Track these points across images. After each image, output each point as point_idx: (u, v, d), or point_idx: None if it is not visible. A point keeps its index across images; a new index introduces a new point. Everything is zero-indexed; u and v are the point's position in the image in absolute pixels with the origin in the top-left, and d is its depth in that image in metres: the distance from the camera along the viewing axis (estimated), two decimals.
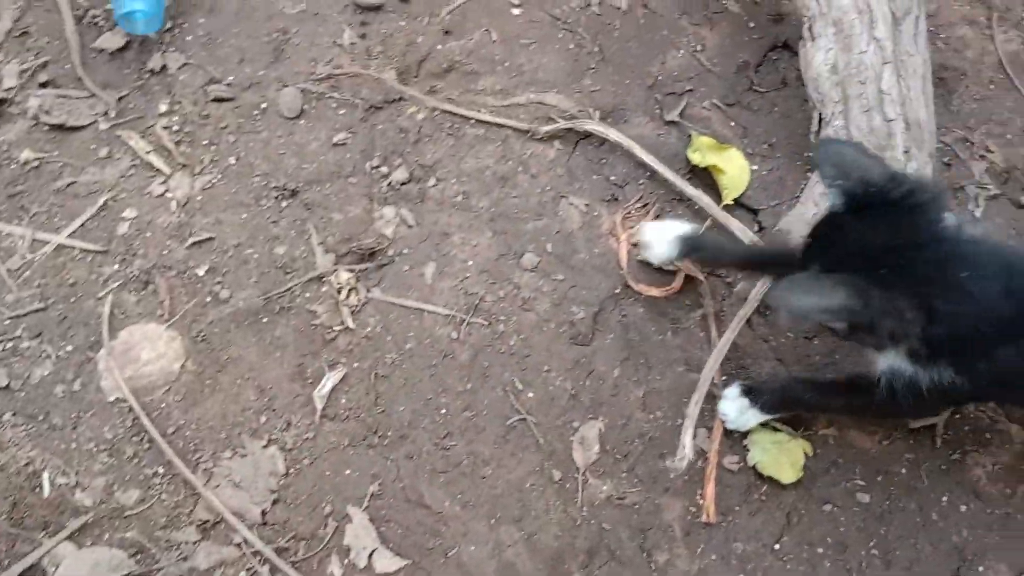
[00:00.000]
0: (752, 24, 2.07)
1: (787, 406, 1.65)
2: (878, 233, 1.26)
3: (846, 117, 1.68)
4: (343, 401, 1.69)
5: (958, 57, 2.06)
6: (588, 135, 1.92)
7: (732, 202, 1.87)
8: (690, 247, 1.70)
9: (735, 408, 1.64)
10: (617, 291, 1.78)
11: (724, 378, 1.71)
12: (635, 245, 1.82)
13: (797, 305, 1.28)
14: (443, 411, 1.69)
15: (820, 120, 1.76)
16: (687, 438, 1.64)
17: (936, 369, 1.35)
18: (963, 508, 1.67)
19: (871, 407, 1.57)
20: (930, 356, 1.34)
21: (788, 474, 1.64)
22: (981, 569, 1.63)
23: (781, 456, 1.64)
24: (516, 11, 2.03)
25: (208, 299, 1.75)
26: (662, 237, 1.71)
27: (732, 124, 1.97)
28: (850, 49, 1.65)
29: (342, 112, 1.91)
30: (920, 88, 1.65)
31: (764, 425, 1.68)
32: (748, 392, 1.64)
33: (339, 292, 1.76)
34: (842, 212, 1.31)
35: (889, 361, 1.42)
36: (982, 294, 1.27)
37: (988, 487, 1.68)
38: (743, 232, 1.80)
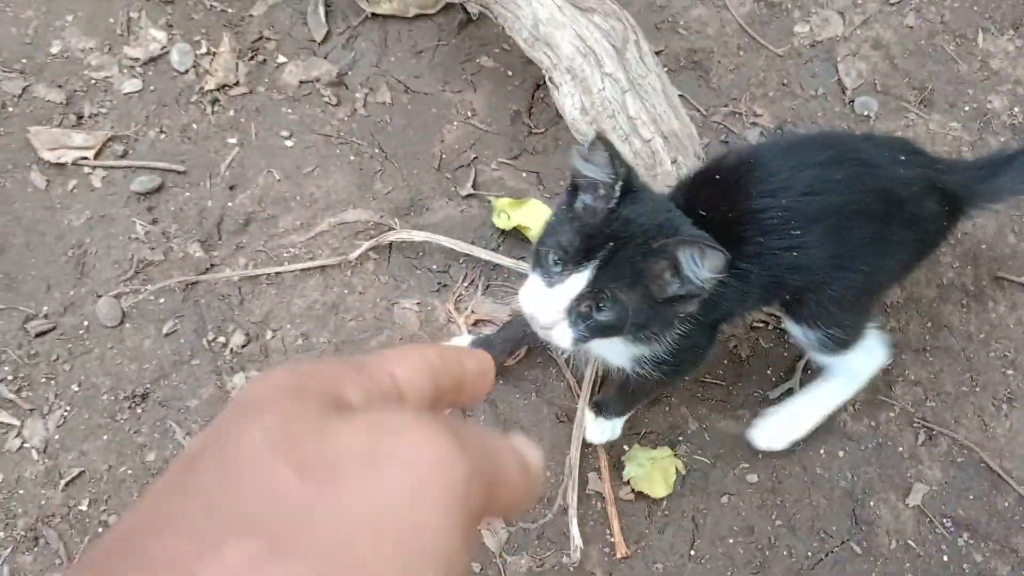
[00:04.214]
0: (510, 73, 2.15)
1: (630, 403, 1.73)
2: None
3: None
4: None
5: (702, 37, 2.16)
6: None
7: None
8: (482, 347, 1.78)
9: (596, 427, 1.75)
10: None
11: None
12: (475, 324, 1.90)
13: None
14: None
15: None
16: (574, 530, 1.70)
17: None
18: (841, 454, 1.80)
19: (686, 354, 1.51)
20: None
21: (659, 488, 1.74)
22: (873, 503, 1.76)
23: (654, 471, 1.75)
24: (289, 143, 2.07)
25: (100, 529, 1.78)
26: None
27: (524, 174, 2.05)
28: (590, 90, 1.74)
29: (162, 301, 1.95)
30: (664, 103, 1.74)
31: (641, 444, 1.79)
32: (596, 407, 1.75)
33: None
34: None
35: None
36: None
37: (855, 427, 1.82)
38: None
